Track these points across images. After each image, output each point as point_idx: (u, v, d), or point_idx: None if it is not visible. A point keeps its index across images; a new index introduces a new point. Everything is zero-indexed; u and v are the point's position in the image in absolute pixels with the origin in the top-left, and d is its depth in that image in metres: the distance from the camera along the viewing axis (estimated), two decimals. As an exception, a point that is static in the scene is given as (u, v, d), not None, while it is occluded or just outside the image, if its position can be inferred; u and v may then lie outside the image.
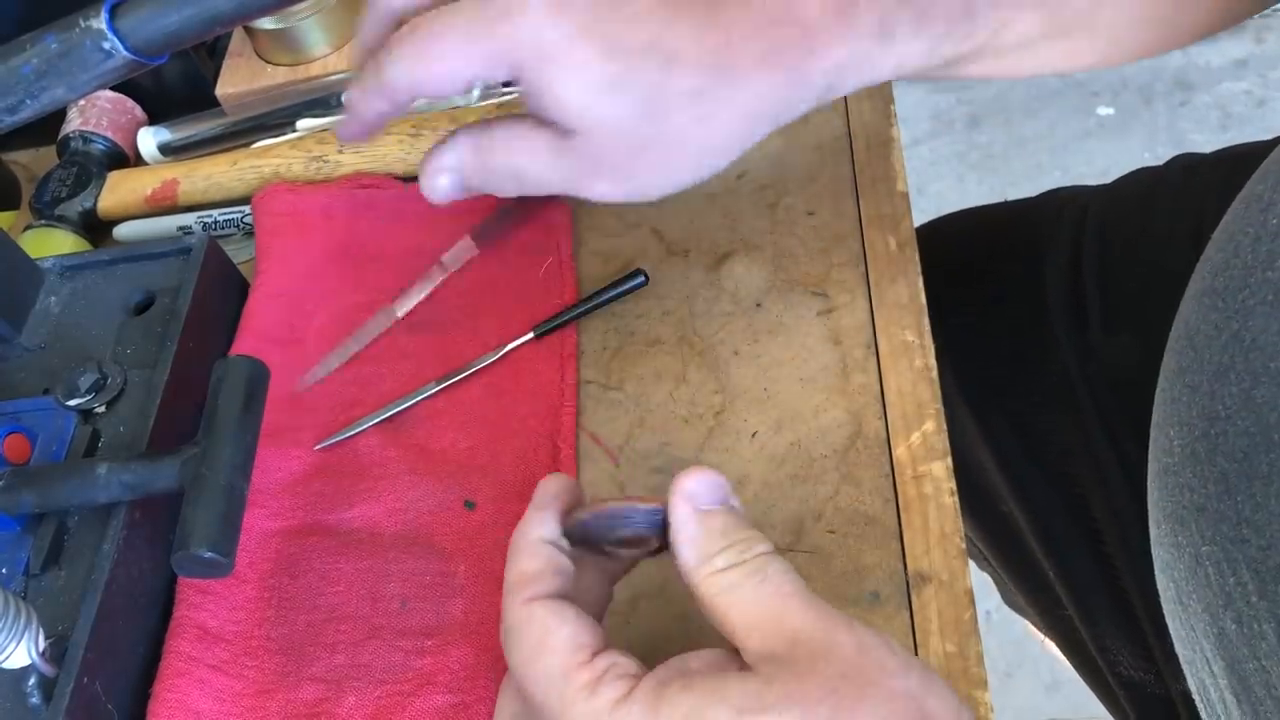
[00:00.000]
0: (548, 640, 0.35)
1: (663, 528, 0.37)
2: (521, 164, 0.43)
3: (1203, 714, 0.39)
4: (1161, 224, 0.62)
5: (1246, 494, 0.32)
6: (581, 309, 0.55)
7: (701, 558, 0.35)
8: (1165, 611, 0.40)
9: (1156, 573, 0.40)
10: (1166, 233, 0.62)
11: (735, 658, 0.35)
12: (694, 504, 0.36)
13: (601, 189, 0.44)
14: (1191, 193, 0.63)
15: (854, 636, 0.33)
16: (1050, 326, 0.64)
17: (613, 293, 0.56)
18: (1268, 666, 0.32)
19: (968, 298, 0.70)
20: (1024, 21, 0.43)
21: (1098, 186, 0.69)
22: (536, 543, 0.38)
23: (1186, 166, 0.65)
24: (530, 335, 0.55)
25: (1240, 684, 0.34)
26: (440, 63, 0.40)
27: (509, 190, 0.44)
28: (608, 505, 0.39)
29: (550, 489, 0.40)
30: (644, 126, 0.41)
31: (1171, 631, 0.40)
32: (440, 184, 0.45)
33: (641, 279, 0.56)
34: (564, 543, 0.39)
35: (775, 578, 0.35)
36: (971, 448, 0.69)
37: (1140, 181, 0.67)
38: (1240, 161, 0.62)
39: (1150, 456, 0.40)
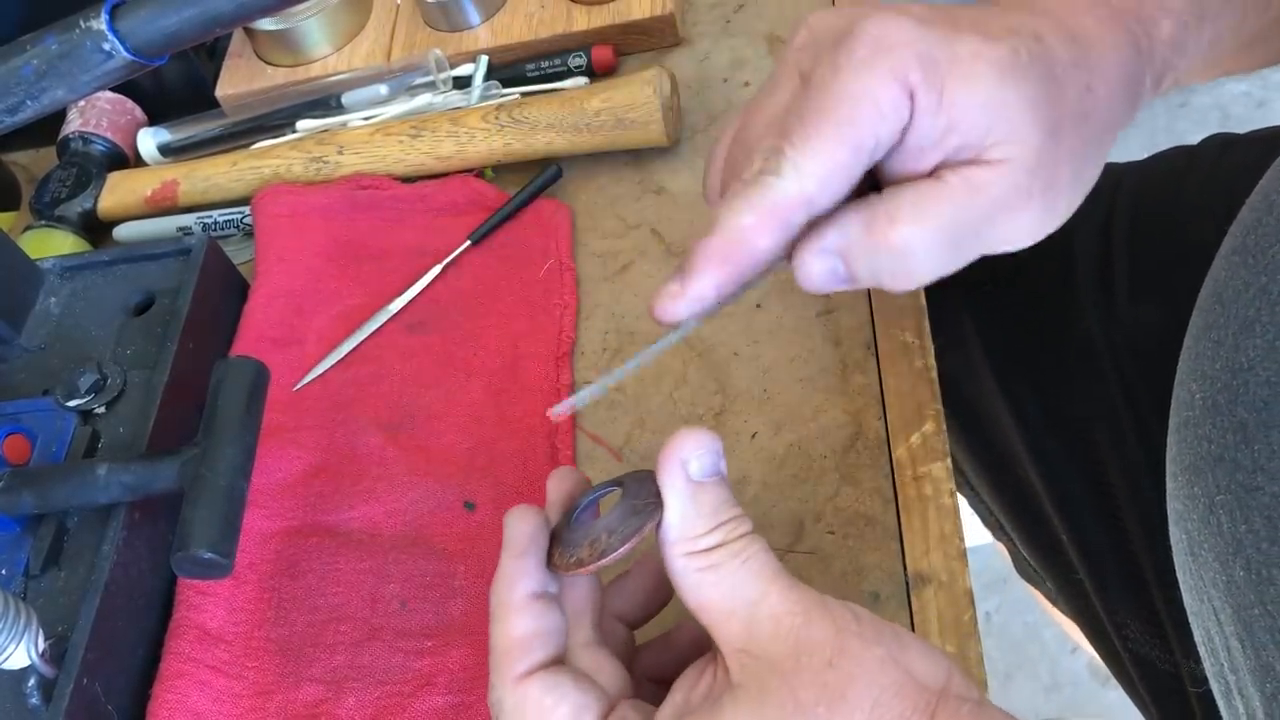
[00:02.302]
0: None
1: (656, 501, 0.36)
2: (920, 235, 0.35)
3: (1206, 663, 0.40)
4: (1193, 199, 0.63)
5: (1264, 442, 0.33)
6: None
7: (687, 534, 0.34)
8: (1176, 564, 0.40)
9: (1170, 525, 0.40)
10: (1198, 207, 0.62)
11: (713, 662, 0.35)
12: (687, 472, 0.35)
13: (1024, 222, 0.36)
14: (1225, 170, 0.64)
15: (829, 615, 0.33)
16: (1077, 294, 0.65)
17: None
18: (1273, 611, 0.33)
19: (996, 263, 0.71)
20: None
21: (1131, 162, 0.70)
22: (523, 600, 0.36)
23: (1222, 144, 0.66)
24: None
25: (1245, 630, 0.35)
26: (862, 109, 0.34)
27: (896, 282, 0.36)
28: (602, 539, 0.36)
29: (524, 530, 0.37)
30: (1051, 106, 0.35)
31: (1181, 584, 0.40)
32: (814, 269, 0.36)
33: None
34: (552, 588, 0.37)
35: (756, 559, 0.34)
36: (992, 411, 0.70)
37: (1174, 158, 0.68)
38: (1274, 143, 0.63)
39: (1171, 413, 0.40)
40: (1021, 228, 0.36)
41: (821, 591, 0.34)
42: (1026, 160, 0.34)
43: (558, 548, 0.37)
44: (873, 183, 0.37)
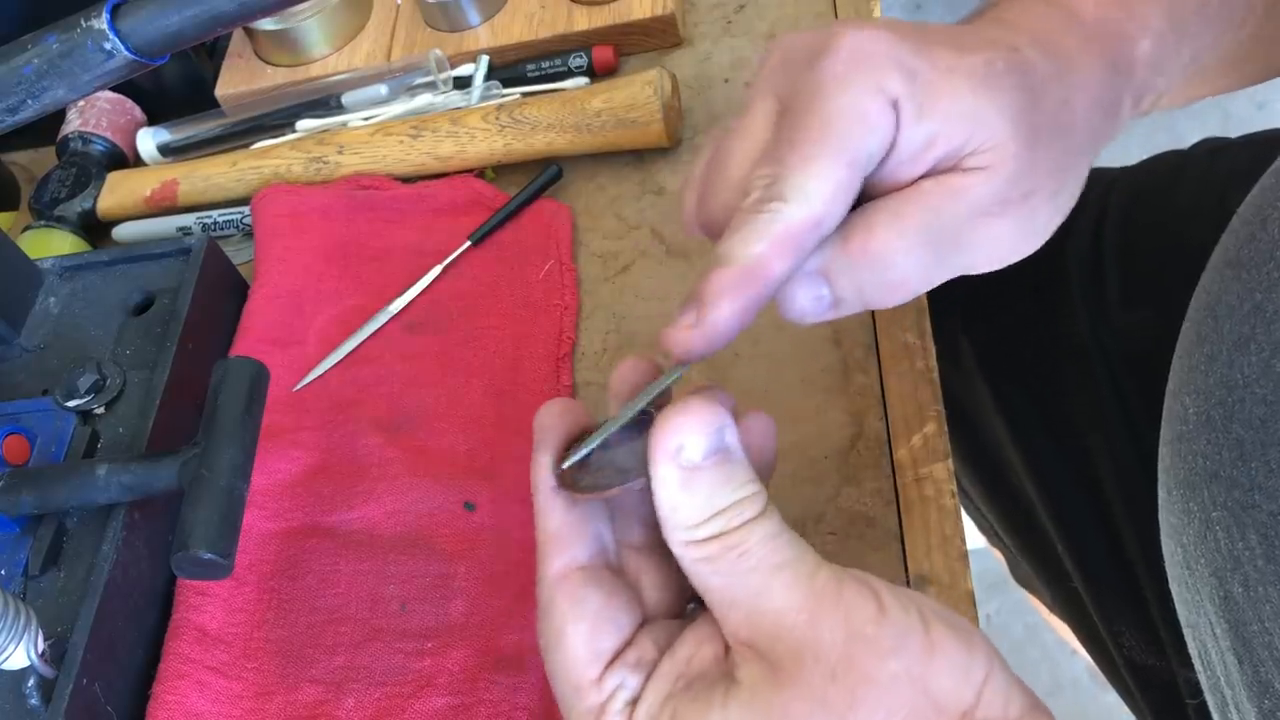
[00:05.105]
0: (564, 642, 0.33)
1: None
2: (898, 242, 0.34)
3: (1201, 676, 0.40)
4: (1185, 204, 0.63)
5: (1261, 460, 0.33)
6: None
7: (680, 525, 0.32)
8: (1170, 577, 0.40)
9: (1163, 538, 0.40)
10: (1189, 212, 0.62)
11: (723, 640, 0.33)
12: (680, 460, 0.32)
13: (1004, 234, 0.35)
14: (1216, 175, 0.64)
15: (840, 614, 0.30)
16: (1069, 300, 0.65)
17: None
18: (1270, 628, 0.33)
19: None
20: None
21: (1123, 167, 0.70)
22: (550, 492, 0.35)
23: (1213, 149, 0.66)
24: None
25: (1243, 646, 0.34)
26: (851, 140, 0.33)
27: (881, 296, 0.35)
28: (602, 481, 0.34)
29: (543, 423, 0.36)
30: (1029, 116, 0.34)
31: (1175, 596, 0.40)
32: (799, 296, 0.35)
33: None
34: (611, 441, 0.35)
35: (758, 550, 0.31)
36: (986, 419, 0.70)
37: (1166, 162, 0.68)
38: (1267, 146, 0.63)
39: (1163, 424, 0.40)
40: (1002, 240, 0.35)
41: None
42: (1005, 168, 0.34)
43: (566, 451, 0.35)
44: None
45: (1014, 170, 0.34)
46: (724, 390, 0.38)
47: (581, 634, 0.33)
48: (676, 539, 0.32)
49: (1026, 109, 0.34)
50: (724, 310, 0.33)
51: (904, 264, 0.34)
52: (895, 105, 0.33)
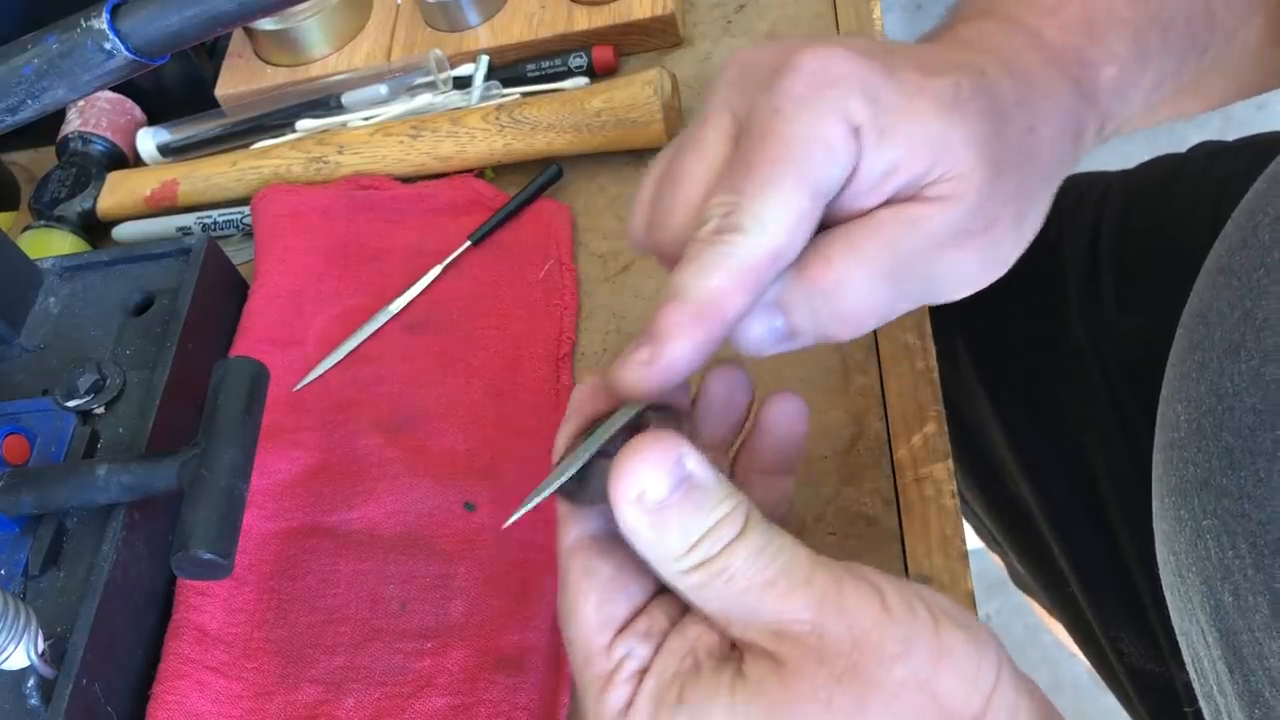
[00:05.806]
0: (576, 610, 0.33)
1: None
2: (856, 273, 0.33)
3: (1195, 684, 0.39)
4: (1181, 208, 0.63)
5: (1250, 469, 0.33)
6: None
7: (662, 560, 0.31)
8: (1164, 584, 0.40)
9: (1157, 545, 0.40)
10: (1185, 217, 0.62)
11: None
12: (643, 506, 0.30)
13: (968, 265, 0.34)
14: (1212, 179, 0.63)
15: (845, 622, 0.30)
16: (1066, 305, 0.65)
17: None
18: (1260, 638, 0.32)
19: None
20: (1255, 25, 0.42)
21: (1120, 170, 0.70)
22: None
23: (1209, 153, 0.66)
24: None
25: (1234, 655, 0.34)
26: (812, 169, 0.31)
27: (838, 328, 0.34)
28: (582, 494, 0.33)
29: (578, 399, 0.35)
30: (995, 144, 0.33)
31: (1169, 604, 0.40)
32: (754, 328, 0.34)
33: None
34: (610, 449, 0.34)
35: (745, 570, 0.30)
36: (983, 424, 0.70)
37: (1162, 166, 0.68)
38: (1263, 150, 0.63)
39: (1157, 431, 0.40)
40: (963, 271, 0.34)
41: None
42: (968, 198, 0.33)
43: (580, 436, 0.35)
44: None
45: (976, 200, 0.33)
46: (742, 369, 0.37)
47: (592, 603, 0.33)
48: (663, 572, 0.32)
49: (992, 136, 0.33)
50: (682, 346, 0.32)
51: (861, 296, 0.33)
52: (858, 131, 0.32)
